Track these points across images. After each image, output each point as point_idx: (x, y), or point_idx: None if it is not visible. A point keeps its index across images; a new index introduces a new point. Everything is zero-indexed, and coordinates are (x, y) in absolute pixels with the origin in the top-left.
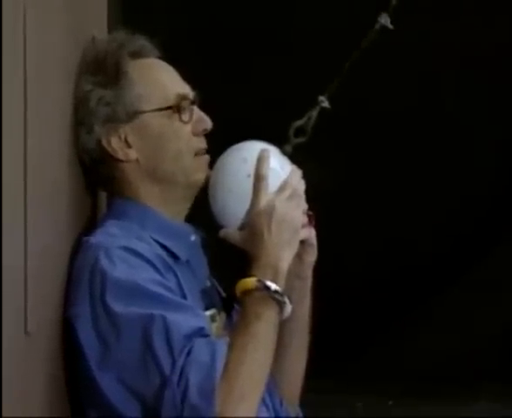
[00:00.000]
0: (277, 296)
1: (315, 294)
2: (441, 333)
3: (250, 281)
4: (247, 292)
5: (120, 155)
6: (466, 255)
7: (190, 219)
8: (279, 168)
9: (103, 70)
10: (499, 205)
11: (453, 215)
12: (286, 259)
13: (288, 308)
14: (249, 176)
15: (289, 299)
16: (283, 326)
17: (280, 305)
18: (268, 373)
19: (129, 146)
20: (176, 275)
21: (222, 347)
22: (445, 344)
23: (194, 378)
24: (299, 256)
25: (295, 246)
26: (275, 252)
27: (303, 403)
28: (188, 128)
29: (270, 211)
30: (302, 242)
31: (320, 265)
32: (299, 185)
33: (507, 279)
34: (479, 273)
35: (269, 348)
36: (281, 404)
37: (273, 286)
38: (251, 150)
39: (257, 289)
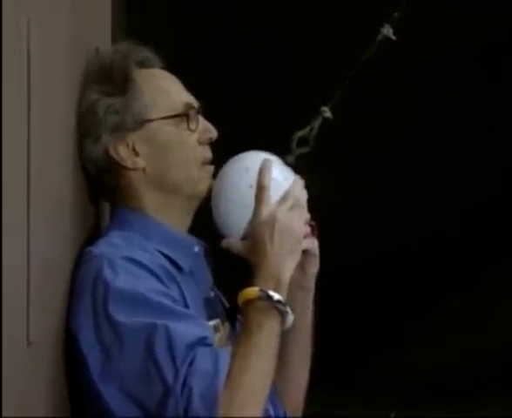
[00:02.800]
0: (279, 306)
1: (317, 306)
2: (442, 345)
3: (252, 291)
4: (249, 301)
5: (128, 163)
6: (467, 267)
7: (193, 229)
8: (282, 178)
9: (110, 80)
10: (501, 218)
11: (455, 225)
12: (288, 269)
13: (290, 318)
14: (251, 186)
15: (291, 309)
16: (285, 337)
17: (282, 315)
18: (270, 382)
19: (137, 155)
20: (179, 286)
21: (225, 356)
22: (447, 356)
23: (197, 387)
24: (301, 267)
25: (297, 257)
26: (277, 262)
27: (304, 415)
28: (194, 137)
29: (272, 221)
30: (305, 252)
31: (322, 276)
32: (302, 195)
33: (508, 291)
34: (480, 285)
35: (271, 358)
36: (284, 415)
37: (276, 296)
38: (253, 160)
39: (259, 299)
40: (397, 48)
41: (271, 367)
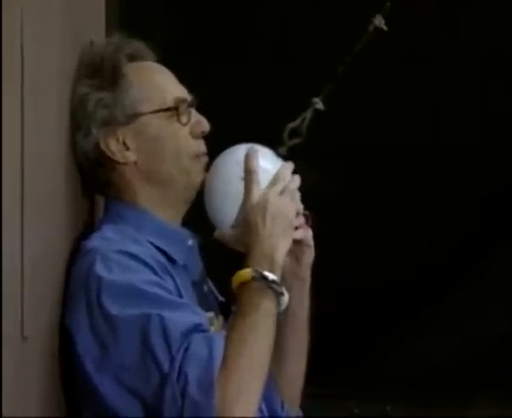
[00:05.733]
0: (274, 286)
1: (316, 300)
2: (439, 340)
3: (246, 272)
4: (244, 283)
5: (119, 157)
6: (462, 265)
7: (187, 223)
8: (272, 168)
9: (100, 73)
10: (496, 216)
11: (450, 223)
12: (281, 249)
13: (285, 299)
14: (243, 178)
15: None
16: (282, 327)
17: (277, 295)
18: (268, 364)
19: (127, 149)
20: (173, 278)
21: (220, 340)
22: (443, 350)
23: (193, 373)
24: (296, 257)
25: (289, 239)
26: (270, 242)
27: (301, 409)
28: (186, 130)
29: (264, 204)
30: (299, 243)
31: (322, 271)
32: (292, 180)
33: (505, 287)
34: (478, 281)
35: (268, 339)
36: (282, 406)
37: (271, 276)
38: (244, 152)
39: (254, 279)
40: (389, 38)
41: (267, 349)
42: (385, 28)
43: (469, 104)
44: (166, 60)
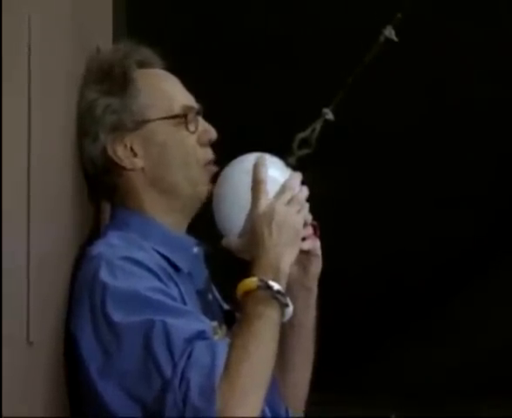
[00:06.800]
0: (279, 296)
1: (318, 307)
2: (442, 347)
3: (251, 281)
4: (249, 292)
5: (126, 163)
6: (467, 269)
7: (194, 230)
8: (280, 177)
9: (109, 79)
10: (502, 222)
11: (456, 228)
12: (287, 259)
13: (290, 310)
14: (252, 188)
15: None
16: (288, 337)
17: (282, 306)
18: (270, 372)
19: (135, 155)
20: (178, 286)
21: (222, 347)
22: (447, 357)
23: (195, 380)
24: (303, 267)
25: (296, 249)
26: (276, 252)
27: (305, 416)
28: (193, 138)
29: (270, 213)
30: (307, 253)
31: (322, 277)
32: (301, 191)
33: (508, 293)
34: (480, 287)
35: (271, 348)
36: (287, 412)
37: (276, 286)
38: (253, 162)
39: (259, 288)
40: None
41: (271, 357)
42: (395, 39)
43: (472, 105)
44: (174, 65)
